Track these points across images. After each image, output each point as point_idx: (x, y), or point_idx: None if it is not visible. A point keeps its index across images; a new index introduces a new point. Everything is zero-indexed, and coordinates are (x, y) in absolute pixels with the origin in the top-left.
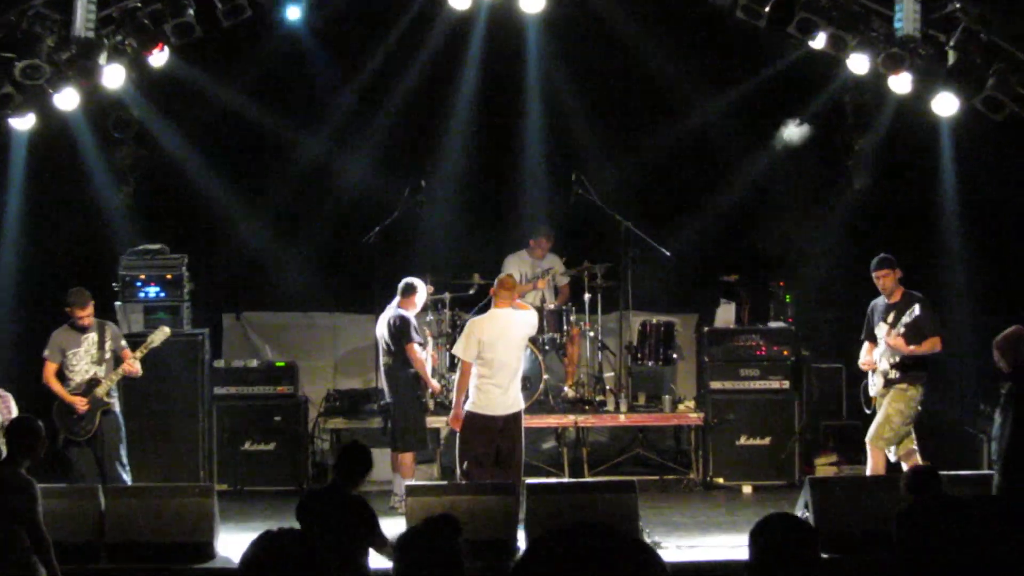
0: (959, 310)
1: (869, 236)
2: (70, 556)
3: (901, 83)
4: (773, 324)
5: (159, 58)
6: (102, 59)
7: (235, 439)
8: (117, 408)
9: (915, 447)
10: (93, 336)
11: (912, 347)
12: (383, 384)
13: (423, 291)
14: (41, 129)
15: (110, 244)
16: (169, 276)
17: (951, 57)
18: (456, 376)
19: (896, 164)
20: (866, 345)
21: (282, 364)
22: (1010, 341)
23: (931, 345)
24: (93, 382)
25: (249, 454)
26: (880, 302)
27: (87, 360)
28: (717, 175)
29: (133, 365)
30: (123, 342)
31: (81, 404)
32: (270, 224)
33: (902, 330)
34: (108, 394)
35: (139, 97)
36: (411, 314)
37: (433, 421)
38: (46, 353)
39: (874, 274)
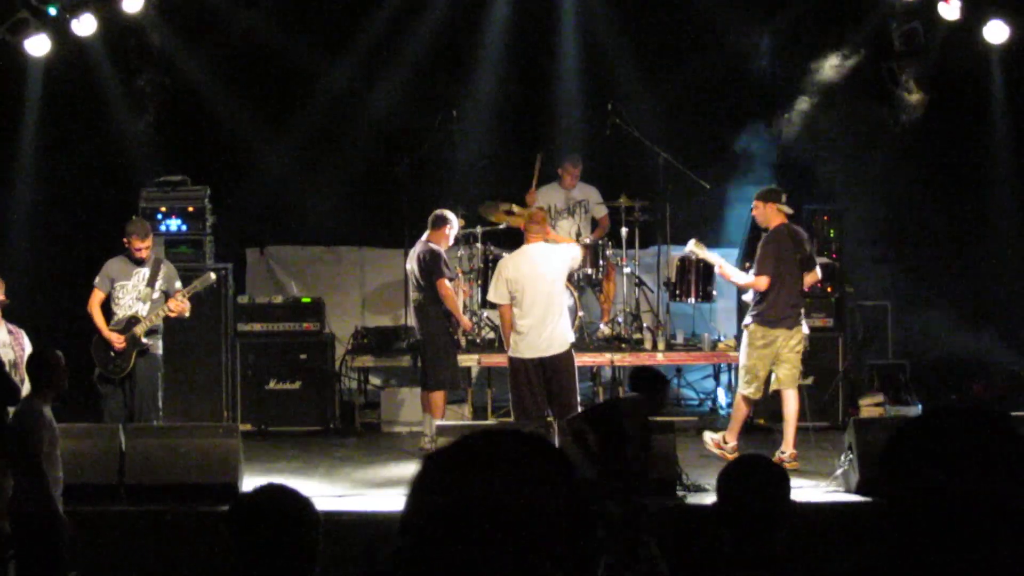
0: (1011, 242)
1: (917, 170)
2: (90, 497)
3: (951, 10)
4: (817, 260)
5: None
6: None
7: (259, 377)
8: (159, 350)
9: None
10: (145, 272)
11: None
12: (413, 321)
13: (455, 224)
14: (58, 56)
15: (130, 175)
16: (191, 208)
17: None
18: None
19: (945, 94)
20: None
21: (308, 300)
22: None
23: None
24: (133, 320)
25: (274, 393)
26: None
27: (133, 295)
28: (759, 106)
29: (181, 303)
30: (178, 283)
31: (117, 341)
32: (296, 155)
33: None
34: (147, 334)
35: (159, 22)
36: (442, 248)
37: (464, 359)
38: (96, 280)
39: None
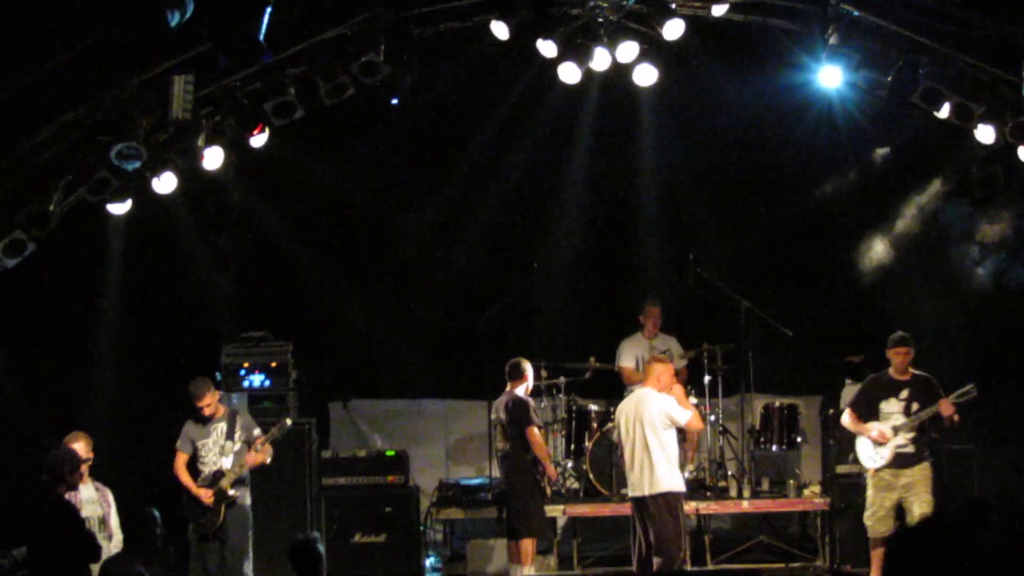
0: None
1: (996, 315)
2: None
3: None
4: None
5: (259, 139)
6: (200, 140)
7: (345, 531)
8: (247, 500)
9: None
10: (222, 426)
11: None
12: (499, 471)
13: (531, 370)
14: (139, 214)
15: (213, 332)
16: (274, 364)
17: None
18: None
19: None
20: (850, 415)
21: (392, 453)
22: None
23: None
24: (218, 474)
25: (360, 546)
26: (884, 377)
27: (215, 451)
28: (838, 252)
29: (260, 452)
30: (256, 431)
31: (206, 496)
32: (377, 308)
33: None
34: (233, 486)
35: (239, 179)
36: (528, 396)
37: (550, 510)
38: (178, 444)
39: (894, 351)
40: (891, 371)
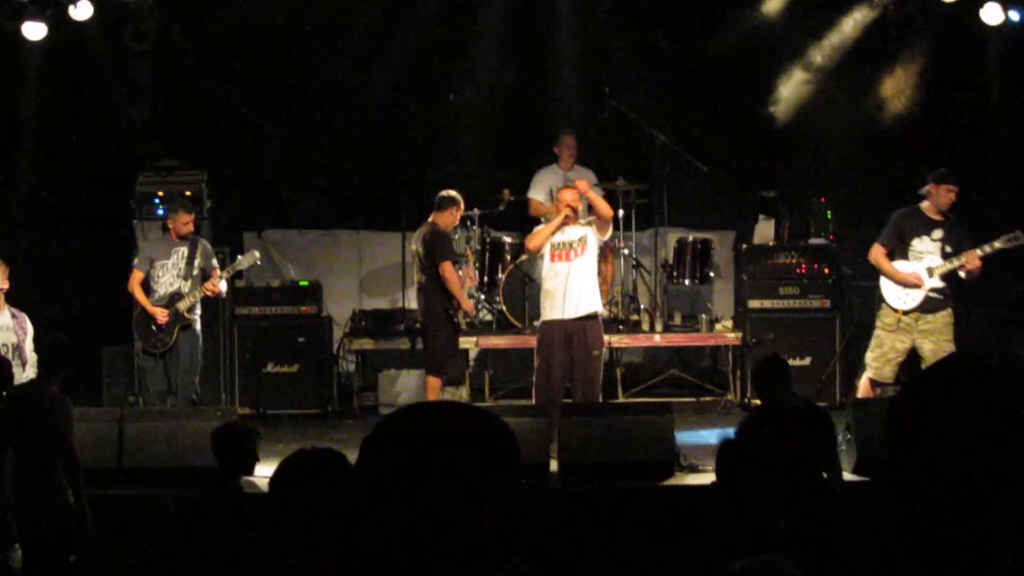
0: (1010, 228)
1: (915, 151)
2: (88, 481)
3: None
4: (814, 241)
5: None
6: None
7: (257, 361)
8: (198, 327)
9: None
10: (184, 250)
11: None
12: (416, 303)
13: (459, 205)
14: (54, 41)
15: (128, 160)
16: (188, 192)
17: None
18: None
19: (942, 76)
20: (879, 251)
21: (305, 283)
22: None
23: None
24: (176, 296)
25: (272, 376)
26: (918, 213)
27: (173, 273)
28: (755, 89)
29: (217, 285)
30: (214, 261)
31: (162, 316)
32: (293, 140)
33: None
34: (190, 310)
35: (157, 7)
36: (447, 229)
37: (464, 341)
38: (135, 261)
39: (945, 187)
40: (925, 207)
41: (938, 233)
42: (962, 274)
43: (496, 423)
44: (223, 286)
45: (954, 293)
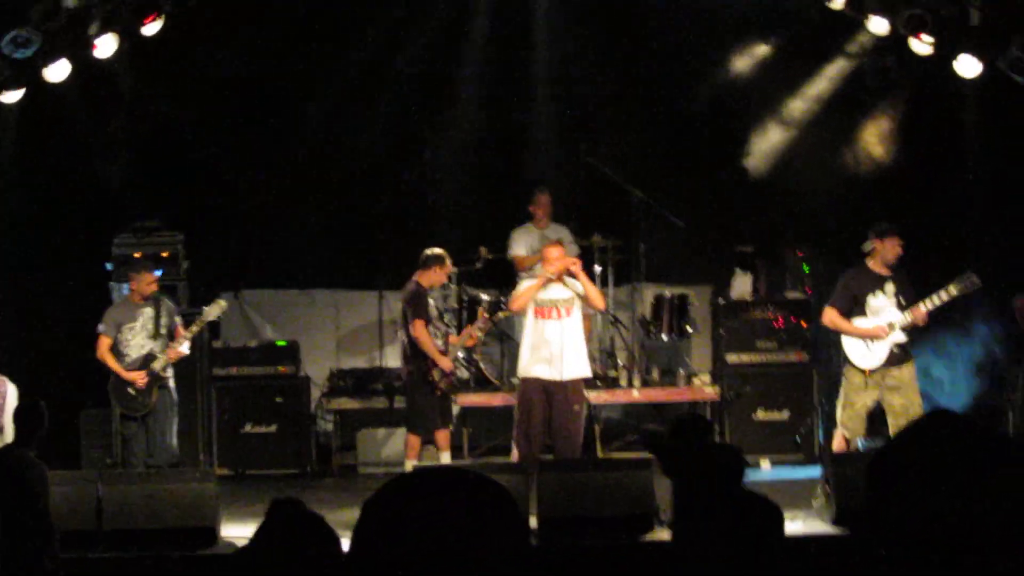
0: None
1: (890, 205)
2: (68, 544)
3: (922, 45)
4: (790, 295)
5: (153, 27)
6: (93, 28)
7: (235, 421)
8: (172, 383)
9: None
10: (149, 311)
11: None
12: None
13: (444, 265)
14: (32, 103)
15: (104, 222)
16: (165, 254)
17: (974, 17)
18: None
19: (919, 128)
20: (834, 314)
21: (283, 343)
22: None
23: None
24: (149, 357)
25: (250, 436)
26: (866, 271)
27: (143, 335)
28: (731, 143)
29: (179, 350)
30: (178, 319)
31: (140, 380)
32: (268, 199)
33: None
34: (164, 369)
35: (133, 67)
36: (427, 287)
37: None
38: (101, 328)
39: (891, 241)
40: (872, 264)
41: (890, 287)
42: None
43: (498, 489)
44: (186, 348)
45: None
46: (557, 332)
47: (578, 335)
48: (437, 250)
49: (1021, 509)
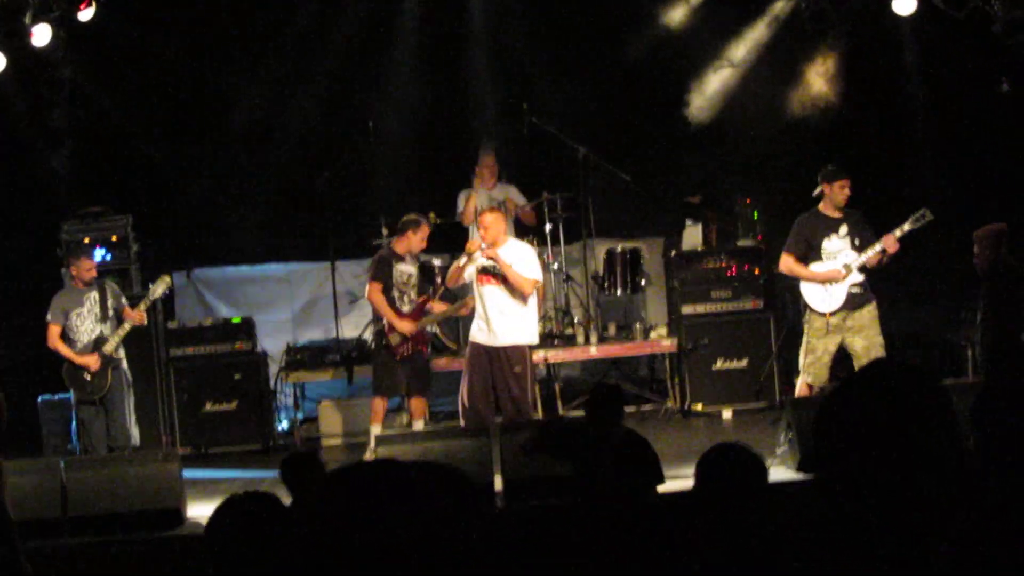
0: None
1: (836, 146)
2: (32, 533)
3: None
4: (742, 243)
5: (87, 13)
6: (28, 18)
7: (195, 400)
8: (125, 364)
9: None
10: (94, 295)
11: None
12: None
13: (422, 227)
14: None
15: (51, 210)
16: (114, 238)
17: None
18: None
19: (859, 68)
20: (789, 259)
21: (238, 320)
22: (990, 236)
23: None
24: (100, 340)
25: (211, 415)
26: (818, 215)
27: (91, 319)
28: (672, 93)
29: (142, 314)
30: (124, 300)
31: (93, 363)
32: (216, 177)
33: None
34: (116, 350)
35: (70, 55)
36: (402, 253)
37: None
38: (49, 317)
39: (840, 183)
40: (823, 207)
41: (843, 229)
42: (881, 259)
43: (446, 472)
44: (144, 316)
45: (873, 287)
46: (492, 297)
47: (514, 301)
48: (411, 215)
49: (941, 438)
